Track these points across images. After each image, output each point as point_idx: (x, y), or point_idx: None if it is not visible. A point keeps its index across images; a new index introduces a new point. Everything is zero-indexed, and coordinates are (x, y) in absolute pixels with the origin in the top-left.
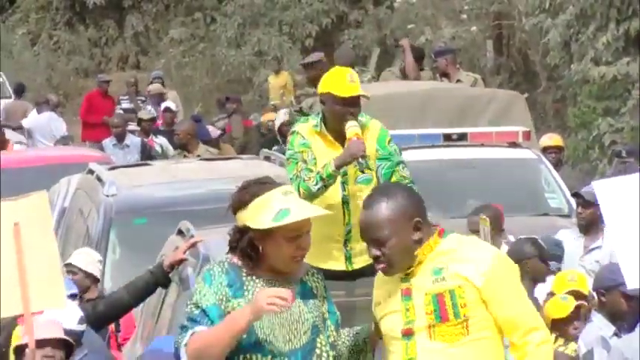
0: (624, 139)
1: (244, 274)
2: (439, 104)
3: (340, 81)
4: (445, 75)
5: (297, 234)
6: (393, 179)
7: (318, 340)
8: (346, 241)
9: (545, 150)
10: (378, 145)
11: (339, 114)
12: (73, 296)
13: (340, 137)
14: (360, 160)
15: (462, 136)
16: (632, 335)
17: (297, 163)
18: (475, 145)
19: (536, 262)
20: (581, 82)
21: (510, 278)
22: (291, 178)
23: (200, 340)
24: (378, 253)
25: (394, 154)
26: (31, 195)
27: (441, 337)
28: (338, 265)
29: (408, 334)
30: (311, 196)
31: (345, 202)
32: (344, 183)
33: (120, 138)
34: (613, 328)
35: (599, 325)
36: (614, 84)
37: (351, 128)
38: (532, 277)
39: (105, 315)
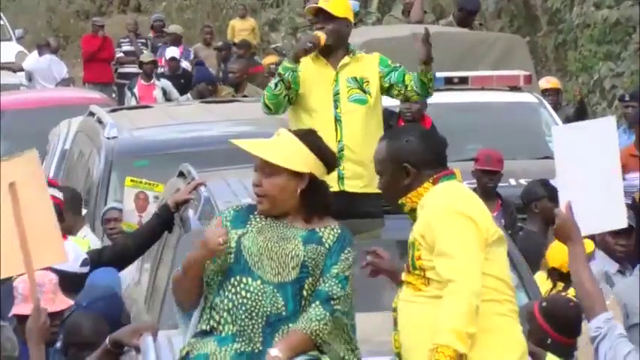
0: (624, 83)
1: (255, 212)
2: (441, 48)
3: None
4: (463, 24)
5: (254, 169)
6: (408, 78)
7: (307, 282)
8: (339, 160)
9: (543, 92)
10: (382, 67)
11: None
12: (84, 262)
13: (335, 60)
14: (308, 44)
15: (464, 80)
16: (631, 280)
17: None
18: (476, 88)
19: (546, 202)
20: (583, 26)
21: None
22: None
23: (175, 276)
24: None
25: (399, 67)
26: (24, 154)
27: (410, 285)
28: (330, 184)
29: (401, 283)
30: (274, 97)
31: (337, 119)
32: (336, 101)
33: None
34: (616, 266)
35: (602, 262)
36: (615, 28)
37: (316, 34)
38: (542, 218)
39: (111, 263)
